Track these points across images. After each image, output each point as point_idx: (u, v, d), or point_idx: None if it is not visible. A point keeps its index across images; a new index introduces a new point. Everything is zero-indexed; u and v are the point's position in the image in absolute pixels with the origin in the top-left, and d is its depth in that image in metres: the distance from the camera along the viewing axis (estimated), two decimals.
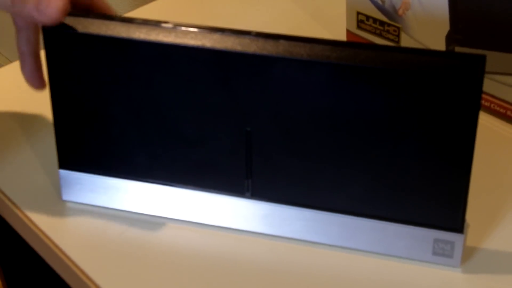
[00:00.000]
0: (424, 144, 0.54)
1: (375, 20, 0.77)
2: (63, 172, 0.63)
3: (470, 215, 0.60)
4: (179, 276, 0.58)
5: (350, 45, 0.53)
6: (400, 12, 0.74)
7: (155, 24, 0.56)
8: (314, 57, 0.53)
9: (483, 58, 0.50)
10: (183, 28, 0.55)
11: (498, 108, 0.71)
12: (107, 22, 0.57)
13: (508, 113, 0.71)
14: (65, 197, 0.64)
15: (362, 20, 0.78)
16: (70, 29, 0.57)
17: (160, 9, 0.92)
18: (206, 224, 0.62)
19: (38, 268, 0.77)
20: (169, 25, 0.56)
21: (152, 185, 0.61)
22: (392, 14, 0.75)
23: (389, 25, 0.76)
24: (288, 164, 0.57)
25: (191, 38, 0.55)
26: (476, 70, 0.50)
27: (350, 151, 0.55)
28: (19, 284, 0.85)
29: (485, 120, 0.72)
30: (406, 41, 0.75)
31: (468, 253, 0.59)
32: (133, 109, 0.58)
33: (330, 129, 0.55)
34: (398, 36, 0.75)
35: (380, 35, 0.77)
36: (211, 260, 0.59)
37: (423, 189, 0.55)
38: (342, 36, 0.82)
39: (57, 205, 0.64)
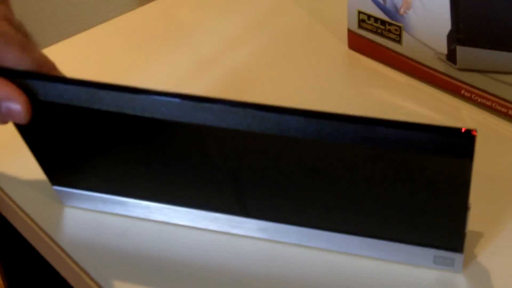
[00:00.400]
0: (419, 188, 0.51)
1: (376, 19, 0.77)
2: (57, 188, 0.63)
3: (473, 217, 0.60)
4: (178, 277, 0.58)
5: (335, 117, 0.48)
6: (402, 11, 0.74)
7: (128, 91, 0.51)
8: (289, 133, 0.49)
9: (473, 137, 0.47)
10: (160, 97, 0.51)
11: (499, 107, 0.71)
12: (73, 88, 0.52)
13: (510, 112, 0.71)
14: (65, 203, 0.64)
15: (363, 20, 0.78)
16: (37, 95, 0.52)
17: (161, 8, 0.92)
18: (206, 228, 0.62)
19: (39, 267, 0.77)
20: (141, 97, 0.51)
21: (149, 203, 0.61)
22: (393, 13, 0.75)
23: (390, 24, 0.76)
24: (279, 198, 0.56)
25: (167, 114, 0.51)
26: (465, 148, 0.47)
27: (344, 189, 0.54)
28: (20, 283, 0.85)
29: (486, 120, 0.71)
30: (407, 41, 0.75)
31: (470, 257, 0.58)
32: (115, 145, 0.56)
33: (320, 177, 0.53)
34: (400, 35, 0.75)
35: (381, 35, 0.77)
36: (211, 261, 0.59)
37: (422, 217, 0.54)
38: (343, 35, 0.82)
39: (58, 205, 0.64)
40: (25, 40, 0.53)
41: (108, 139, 0.56)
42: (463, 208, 0.52)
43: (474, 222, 0.60)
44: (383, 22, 0.76)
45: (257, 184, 0.56)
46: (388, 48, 0.78)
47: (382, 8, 0.76)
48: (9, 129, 0.73)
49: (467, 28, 0.69)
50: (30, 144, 0.59)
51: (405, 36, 0.75)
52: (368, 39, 0.79)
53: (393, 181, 0.51)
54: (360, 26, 0.79)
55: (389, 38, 0.77)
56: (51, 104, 0.52)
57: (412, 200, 0.52)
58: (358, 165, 0.51)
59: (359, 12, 0.78)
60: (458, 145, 0.47)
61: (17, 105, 0.51)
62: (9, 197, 0.66)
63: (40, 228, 0.63)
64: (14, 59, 0.52)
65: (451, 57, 0.72)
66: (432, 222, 0.54)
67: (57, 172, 0.61)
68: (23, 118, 0.52)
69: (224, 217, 0.60)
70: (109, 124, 0.54)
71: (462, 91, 0.73)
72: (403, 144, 0.47)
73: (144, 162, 0.57)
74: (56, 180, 0.62)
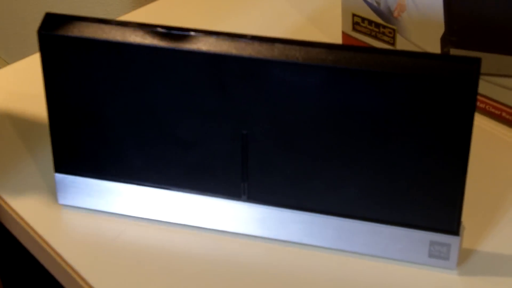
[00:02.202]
0: (420, 146, 0.54)
1: (370, 22, 0.77)
2: (59, 176, 0.63)
3: (466, 217, 0.60)
4: (174, 279, 0.58)
5: (346, 48, 0.53)
6: (396, 14, 0.74)
7: (150, 27, 0.56)
8: (309, 60, 0.53)
9: (478, 61, 0.51)
10: (179, 32, 0.56)
11: (493, 110, 0.71)
12: (102, 26, 0.57)
13: (503, 114, 0.71)
14: (61, 201, 0.64)
15: (357, 22, 0.79)
16: (66, 33, 0.57)
17: (157, 11, 0.92)
18: (201, 227, 0.62)
19: (34, 271, 0.77)
20: (164, 29, 0.56)
21: (148, 189, 0.61)
22: (387, 16, 0.75)
23: (384, 27, 0.76)
24: (284, 166, 0.57)
25: (187, 42, 0.55)
26: (471, 72, 0.50)
27: (346, 154, 0.55)
28: (16, 286, 0.85)
29: (480, 122, 0.72)
30: (401, 43, 0.75)
31: (465, 256, 0.59)
32: (128, 113, 0.58)
33: (325, 132, 0.55)
34: (394, 38, 0.76)
35: (375, 37, 0.77)
36: (206, 263, 0.59)
37: (419, 192, 0.55)
38: (337, 38, 0.82)
39: (53, 208, 0.64)
40: None
41: (124, 101, 0.58)
42: (464, 152, 0.53)
43: (467, 223, 0.60)
44: (377, 25, 0.77)
45: (264, 147, 0.57)
46: None
47: (376, 11, 0.76)
48: (6, 132, 0.73)
49: (461, 30, 0.69)
50: (51, 109, 0.60)
51: (399, 38, 0.75)
52: (363, 42, 0.79)
53: (399, 120, 0.53)
54: (354, 29, 0.79)
55: (383, 40, 0.77)
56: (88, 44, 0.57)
57: (413, 159, 0.54)
58: (367, 100, 0.53)
59: (353, 15, 0.78)
60: (464, 68, 0.51)
61: None
62: (5, 201, 0.66)
63: (35, 232, 0.63)
64: None
65: None
66: (430, 189, 0.55)
67: (68, 147, 0.62)
68: None
69: (223, 203, 0.60)
70: (132, 73, 0.57)
71: None
72: (415, 70, 0.52)
73: (155, 127, 0.59)
74: (62, 163, 0.62)
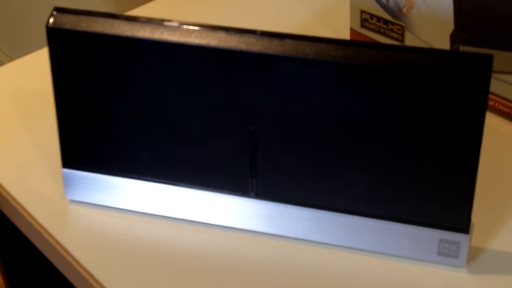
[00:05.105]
0: (430, 144, 0.53)
1: (379, 18, 0.77)
2: (66, 171, 0.63)
3: (475, 215, 0.60)
4: (181, 275, 0.58)
5: (356, 44, 0.53)
6: (405, 10, 0.74)
7: (160, 22, 0.56)
8: (319, 56, 0.53)
9: (490, 58, 0.50)
10: (188, 27, 0.55)
11: (502, 108, 0.71)
12: (111, 21, 0.56)
13: None
14: (68, 196, 0.64)
15: (366, 19, 0.78)
16: (74, 27, 0.57)
17: (161, 8, 0.92)
18: (209, 223, 0.62)
19: (40, 265, 0.77)
20: (174, 24, 0.55)
21: (155, 184, 0.61)
22: (396, 12, 0.75)
23: (393, 23, 0.76)
24: (292, 163, 0.57)
25: (196, 37, 0.55)
26: (483, 69, 0.50)
27: (355, 151, 0.55)
28: (21, 282, 0.85)
29: (489, 120, 0.71)
30: (410, 40, 0.75)
31: (474, 254, 0.58)
32: (136, 108, 0.58)
33: (334, 128, 0.55)
34: (402, 35, 0.75)
35: (384, 34, 0.77)
36: (213, 259, 0.59)
37: (428, 189, 0.55)
38: (345, 35, 0.82)
39: (60, 203, 0.64)
40: None
41: (132, 96, 0.58)
42: (475, 150, 0.53)
43: (477, 221, 0.60)
44: (385, 22, 0.76)
45: (273, 144, 0.57)
46: None
47: (385, 8, 0.75)
48: (12, 128, 0.73)
49: (470, 27, 0.69)
50: (59, 105, 0.60)
51: (407, 35, 0.75)
52: (371, 39, 0.79)
53: (410, 117, 0.53)
54: (362, 26, 0.79)
55: (391, 37, 0.77)
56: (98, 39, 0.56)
57: (424, 157, 0.54)
58: (377, 96, 0.53)
59: (362, 12, 0.78)
60: (476, 65, 0.51)
61: None
62: (11, 197, 0.66)
63: (42, 227, 0.63)
64: None
65: None
66: (439, 186, 0.55)
67: (76, 143, 0.61)
68: None
69: (231, 199, 0.60)
70: (140, 70, 0.56)
71: None
72: (426, 66, 0.51)
73: (163, 123, 0.58)
74: (69, 158, 0.62)
